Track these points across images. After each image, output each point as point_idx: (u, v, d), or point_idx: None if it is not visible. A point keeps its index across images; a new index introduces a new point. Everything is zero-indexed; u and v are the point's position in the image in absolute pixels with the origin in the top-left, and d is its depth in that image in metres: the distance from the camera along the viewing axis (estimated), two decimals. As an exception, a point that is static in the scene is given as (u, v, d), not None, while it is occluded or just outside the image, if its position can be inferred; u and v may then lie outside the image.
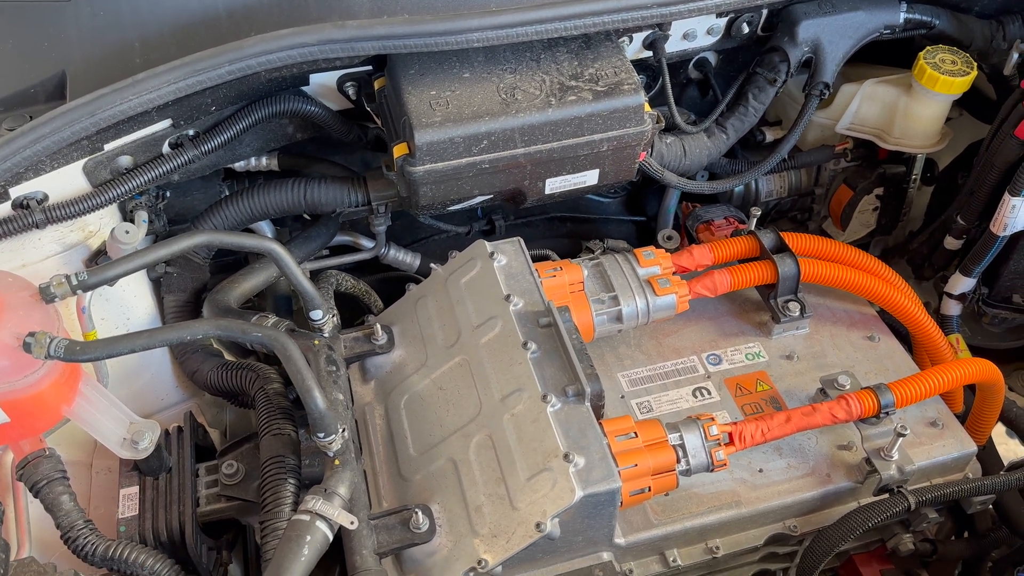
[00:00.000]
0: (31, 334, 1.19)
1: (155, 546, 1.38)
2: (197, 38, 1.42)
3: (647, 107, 1.54)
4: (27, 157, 1.28)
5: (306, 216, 1.95)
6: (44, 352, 1.18)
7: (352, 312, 1.95)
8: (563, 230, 2.26)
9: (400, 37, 1.33)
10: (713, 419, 1.40)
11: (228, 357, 1.67)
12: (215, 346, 1.67)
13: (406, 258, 1.94)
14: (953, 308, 1.93)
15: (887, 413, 1.48)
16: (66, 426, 1.48)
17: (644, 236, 2.25)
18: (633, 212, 2.31)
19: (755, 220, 1.78)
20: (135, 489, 1.44)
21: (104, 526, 1.37)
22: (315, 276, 1.81)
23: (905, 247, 2.14)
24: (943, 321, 1.94)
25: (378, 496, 1.42)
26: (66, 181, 1.41)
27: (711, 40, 1.79)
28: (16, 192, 1.36)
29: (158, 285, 1.67)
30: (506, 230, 2.11)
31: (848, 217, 2.11)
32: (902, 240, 2.20)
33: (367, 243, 1.94)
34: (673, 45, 1.75)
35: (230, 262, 1.85)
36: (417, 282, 1.66)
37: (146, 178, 1.46)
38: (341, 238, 1.94)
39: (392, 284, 1.98)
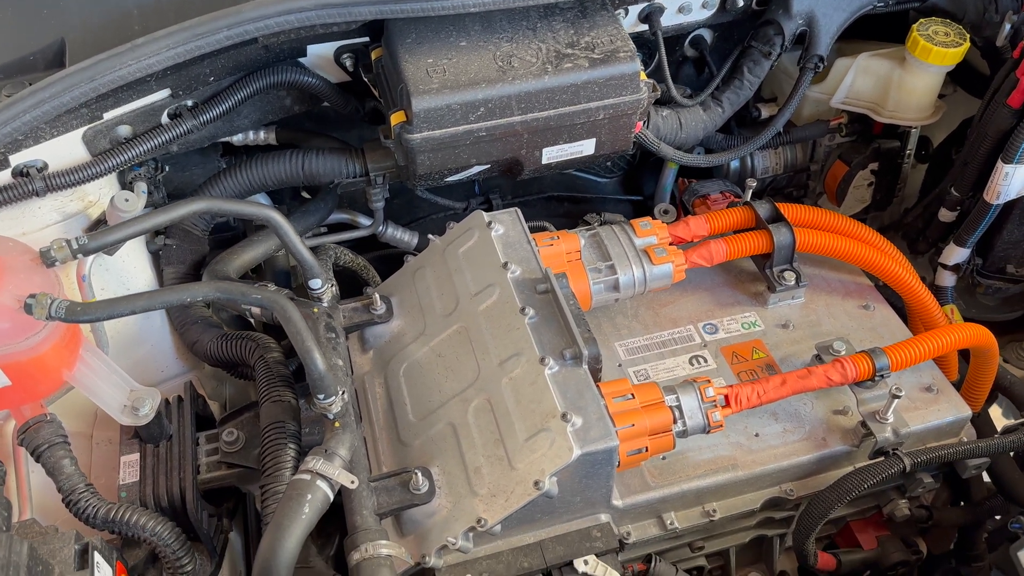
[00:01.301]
0: (32, 296, 1.19)
1: (156, 511, 1.38)
2: (195, 4, 1.42)
3: (643, 75, 1.55)
4: (26, 123, 1.29)
5: (305, 194, 1.96)
6: (45, 313, 1.19)
7: (351, 289, 1.95)
8: (560, 210, 2.27)
9: (397, 2, 1.34)
10: (709, 381, 1.41)
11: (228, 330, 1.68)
12: (215, 318, 1.68)
13: (404, 236, 1.95)
14: (947, 279, 1.94)
15: (882, 376, 1.49)
16: (66, 396, 1.49)
17: (641, 215, 2.22)
18: (630, 191, 2.32)
19: (750, 192, 1.79)
20: (136, 456, 1.44)
21: (105, 495, 1.37)
22: (314, 250, 1.81)
23: (900, 222, 2.15)
24: (938, 292, 1.95)
25: (378, 462, 1.43)
26: (66, 150, 1.42)
27: (707, 14, 1.80)
28: (16, 160, 1.37)
29: (158, 258, 1.67)
30: (504, 208, 2.11)
31: (843, 192, 2.12)
32: (897, 216, 2.21)
33: (365, 221, 1.95)
34: (668, 19, 1.76)
35: (229, 237, 1.85)
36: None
37: (145, 148, 1.47)
38: (339, 216, 1.94)
39: (390, 262, 1.98)
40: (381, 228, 1.91)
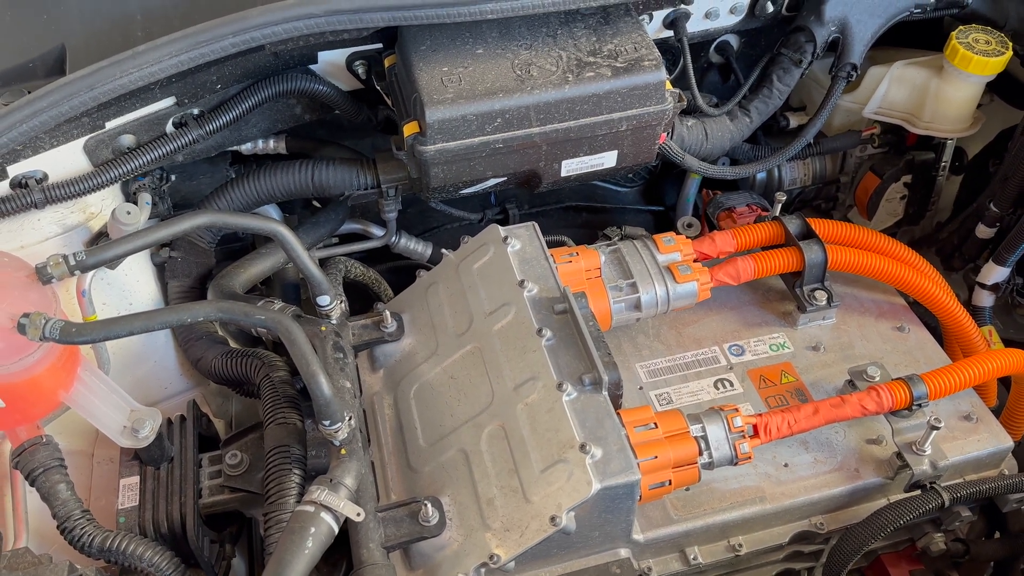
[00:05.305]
0: (26, 315, 1.14)
1: (155, 538, 1.33)
2: (201, 10, 1.37)
3: (668, 85, 1.48)
4: (24, 132, 1.24)
5: (316, 203, 1.91)
6: (39, 333, 1.14)
7: (362, 302, 1.90)
8: (579, 220, 2.20)
9: (410, 8, 1.28)
10: (737, 410, 1.34)
11: (234, 346, 1.62)
12: (220, 333, 1.63)
13: (417, 247, 1.89)
14: (986, 299, 1.86)
15: (919, 405, 1.42)
16: (67, 414, 1.43)
17: (663, 227, 2.18)
18: (651, 202, 2.25)
19: (779, 206, 1.72)
20: (135, 479, 1.39)
21: (105, 518, 1.33)
22: (324, 263, 1.77)
23: (934, 237, 2.06)
24: (975, 313, 1.86)
25: (386, 488, 1.37)
26: (66, 160, 1.37)
27: (734, 20, 1.73)
28: (15, 171, 1.32)
29: (162, 271, 1.62)
30: (520, 219, 2.06)
31: (875, 206, 2.04)
32: (930, 231, 2.13)
33: (378, 231, 1.89)
34: (695, 24, 1.70)
35: (237, 249, 1.80)
36: (429, 270, 1.60)
37: (149, 158, 1.42)
38: (351, 226, 1.89)
39: (403, 273, 1.92)
40: (394, 239, 1.85)
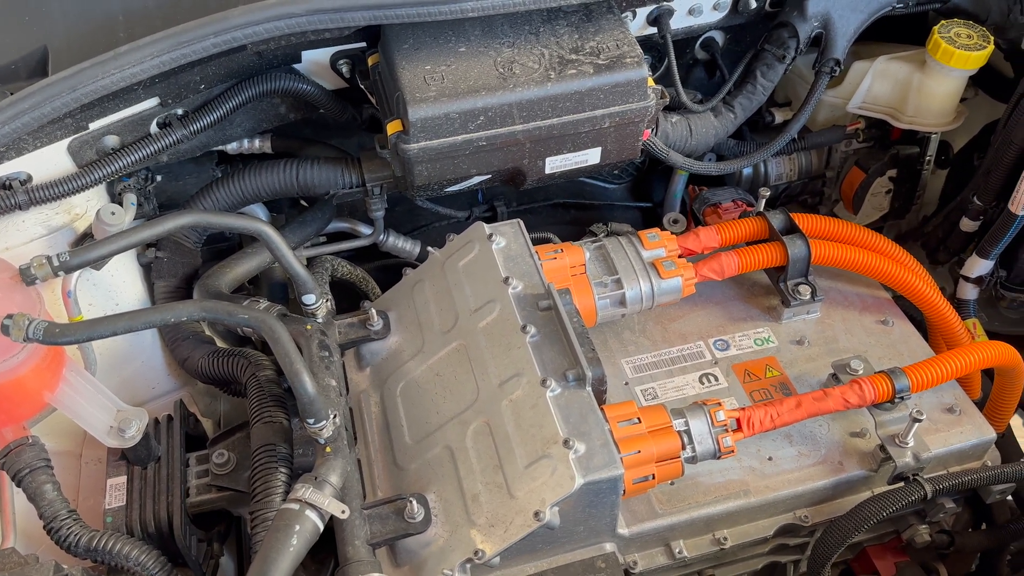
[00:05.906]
0: (9, 316, 1.15)
1: (142, 537, 1.34)
2: (184, 11, 1.37)
3: (651, 81, 1.48)
4: (6, 134, 1.24)
5: (303, 203, 1.91)
6: (23, 335, 1.14)
7: (350, 300, 1.90)
8: (566, 217, 2.21)
9: (392, 7, 1.28)
10: (720, 404, 1.35)
11: (221, 345, 1.63)
12: (207, 333, 1.63)
13: (405, 245, 1.89)
14: (970, 292, 1.87)
15: (902, 398, 1.42)
16: (54, 415, 1.44)
17: (650, 223, 2.19)
18: (638, 198, 2.26)
19: (764, 202, 1.72)
20: (122, 479, 1.39)
21: (93, 517, 1.33)
22: (311, 262, 1.77)
23: (920, 231, 2.07)
24: (960, 305, 1.87)
25: (373, 485, 1.37)
26: (50, 161, 1.37)
27: (718, 16, 1.73)
28: (-2, 172, 1.33)
29: (148, 271, 1.62)
30: (508, 216, 2.06)
31: (860, 200, 2.05)
32: (916, 225, 2.14)
33: (365, 230, 1.90)
34: (678, 21, 1.70)
35: (224, 248, 1.80)
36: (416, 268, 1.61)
37: (133, 158, 1.42)
38: (339, 225, 1.89)
39: (391, 271, 1.92)
40: (382, 237, 1.85)
